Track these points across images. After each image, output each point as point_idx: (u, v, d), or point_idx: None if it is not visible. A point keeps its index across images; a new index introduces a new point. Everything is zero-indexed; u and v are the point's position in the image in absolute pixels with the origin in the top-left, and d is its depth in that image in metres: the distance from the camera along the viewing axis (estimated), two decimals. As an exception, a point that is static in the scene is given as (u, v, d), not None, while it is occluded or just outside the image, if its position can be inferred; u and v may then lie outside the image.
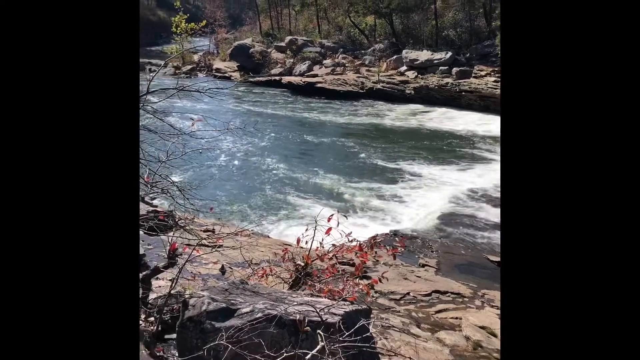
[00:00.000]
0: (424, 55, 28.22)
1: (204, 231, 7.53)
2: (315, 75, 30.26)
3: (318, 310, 3.07)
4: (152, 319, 4.21)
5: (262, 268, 5.12)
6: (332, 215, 4.47)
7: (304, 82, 29.84)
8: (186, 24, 33.54)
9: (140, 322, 4.15)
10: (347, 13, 35.01)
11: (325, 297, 4.09)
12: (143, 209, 7.21)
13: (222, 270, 6.21)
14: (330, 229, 4.39)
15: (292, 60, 33.09)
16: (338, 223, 4.34)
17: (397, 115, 24.53)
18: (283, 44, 34.98)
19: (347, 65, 30.82)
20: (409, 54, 28.82)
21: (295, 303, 3.37)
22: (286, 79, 31.01)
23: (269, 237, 9.98)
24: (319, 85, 29.08)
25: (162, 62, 35.53)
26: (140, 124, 4.10)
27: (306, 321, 2.92)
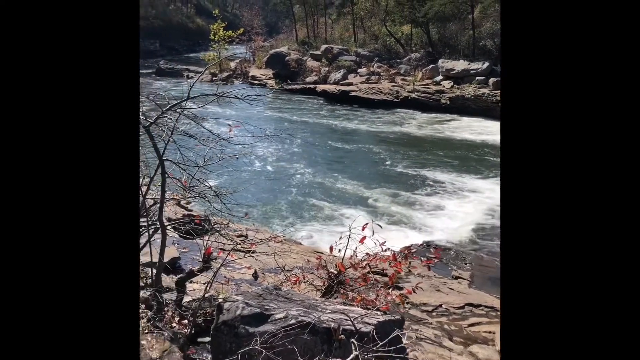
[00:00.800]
0: (460, 65, 27.95)
1: (238, 236, 7.60)
2: (350, 84, 30.28)
3: (352, 319, 3.06)
4: (185, 321, 4.27)
5: (295, 275, 5.14)
6: (366, 224, 4.46)
7: (338, 90, 29.89)
8: (224, 32, 34.21)
9: (174, 324, 4.20)
10: (384, 22, 34.99)
11: (357, 306, 4.08)
12: (179, 212, 7.33)
13: (255, 275, 6.25)
14: (364, 237, 4.38)
15: (327, 68, 33.21)
16: (373, 232, 4.33)
17: (431, 125, 24.32)
18: (318, 52, 35.17)
19: (382, 74, 30.75)
20: (445, 63, 28.58)
21: (328, 311, 3.36)
22: (321, 87, 31.12)
23: (300, 244, 10.00)
24: (353, 93, 29.07)
25: (200, 69, 36.37)
26: (180, 129, 4.18)
27: (341, 329, 2.91)
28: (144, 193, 4.40)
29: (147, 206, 4.59)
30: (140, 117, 4.02)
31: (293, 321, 3.09)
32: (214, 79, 34.68)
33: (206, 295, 4.36)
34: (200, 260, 4.56)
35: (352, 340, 2.81)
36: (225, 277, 5.66)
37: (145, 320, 3.87)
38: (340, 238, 4.58)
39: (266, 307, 3.35)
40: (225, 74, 36.09)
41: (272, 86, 32.81)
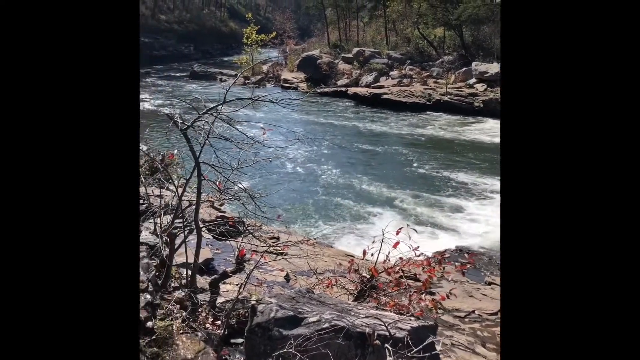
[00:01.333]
0: (494, 67, 27.55)
1: (269, 238, 7.65)
2: (382, 87, 30.16)
3: (386, 324, 3.04)
4: (219, 322, 4.31)
5: (328, 278, 5.14)
6: (400, 228, 4.43)
7: (370, 93, 29.80)
8: (257, 36, 34.54)
9: (208, 325, 4.25)
10: (416, 25, 34.77)
11: (391, 311, 4.05)
12: (212, 214, 7.42)
13: (287, 277, 6.27)
14: (397, 242, 4.35)
15: (358, 71, 33.17)
16: (410, 237, 4.30)
17: (463, 128, 24.03)
18: (350, 55, 35.16)
19: (414, 76, 30.55)
20: (478, 66, 28.21)
21: (361, 315, 3.35)
22: (352, 89, 31.08)
23: (331, 246, 9.99)
24: (385, 96, 28.94)
25: (233, 72, 36.78)
26: (217, 132, 4.24)
27: (375, 335, 2.90)
28: (180, 195, 4.46)
29: (183, 208, 4.65)
30: (178, 120, 4.10)
31: (326, 325, 3.09)
32: (246, 82, 35.00)
33: (239, 296, 4.39)
34: (234, 261, 4.60)
35: (387, 345, 2.80)
36: (257, 279, 5.69)
37: (180, 320, 3.92)
38: (373, 242, 4.56)
39: (299, 310, 3.36)
40: (258, 77, 36.38)
41: (303, 89, 32.93)
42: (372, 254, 4.66)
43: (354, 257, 6.85)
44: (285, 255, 6.02)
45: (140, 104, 26.92)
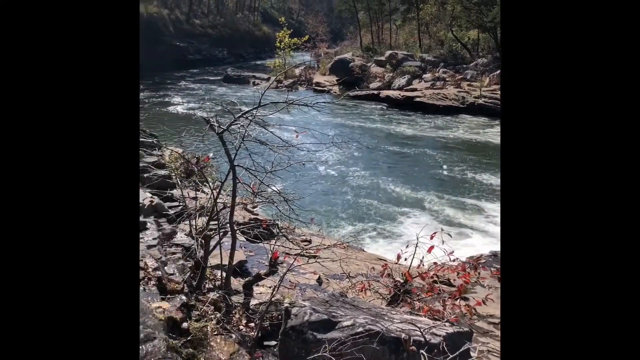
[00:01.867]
0: (529, 70, 27.05)
1: (302, 241, 7.66)
2: (415, 90, 29.93)
3: (421, 329, 3.01)
4: (252, 324, 4.33)
5: (361, 282, 5.11)
6: (435, 232, 4.38)
7: (402, 96, 29.60)
8: (289, 39, 34.82)
9: (242, 326, 4.28)
10: (450, 27, 34.41)
11: (425, 316, 4.01)
12: (246, 216, 7.48)
13: (319, 281, 6.28)
14: (432, 247, 4.31)
15: (391, 74, 33.00)
16: (443, 241, 4.25)
17: (497, 131, 23.65)
18: (383, 58, 35.03)
19: (447, 79, 30.22)
20: (513, 68, 27.74)
21: (396, 320, 3.33)
22: (384, 92, 30.94)
23: (363, 250, 9.94)
24: (417, 99, 28.69)
25: (265, 76, 37.09)
26: (252, 135, 4.27)
27: (411, 340, 2.87)
28: (215, 197, 4.51)
29: (218, 210, 4.71)
30: (214, 124, 4.15)
31: (361, 329, 3.08)
32: (278, 85, 35.25)
33: (272, 299, 4.41)
34: (267, 264, 4.62)
35: (422, 351, 2.77)
36: (289, 281, 5.71)
37: (214, 321, 3.96)
38: (407, 246, 4.52)
39: (333, 314, 3.35)
40: (290, 80, 36.57)
41: (335, 92, 32.97)
42: (405, 259, 4.62)
43: (386, 261, 6.80)
44: (317, 258, 6.02)
45: (174, 107, 27.46)
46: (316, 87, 35.11)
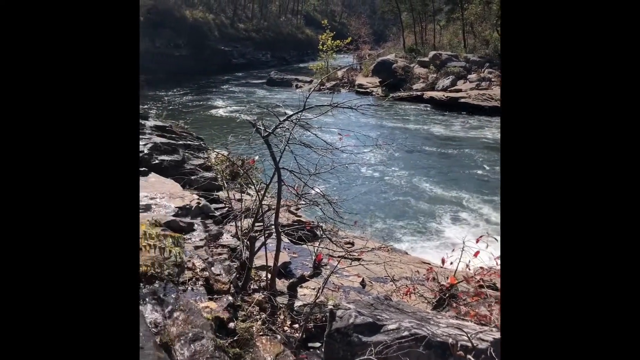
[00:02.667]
0: (579, 69, 26.26)
1: (345, 244, 7.66)
2: (459, 90, 29.49)
3: (468, 334, 2.96)
4: (296, 325, 4.36)
5: (406, 285, 5.08)
6: (480, 236, 4.31)
7: (446, 97, 29.22)
8: (332, 42, 34.95)
9: (286, 327, 4.32)
10: (495, 27, 33.76)
11: (471, 321, 3.94)
12: (289, 218, 7.54)
13: (362, 283, 6.26)
14: (478, 252, 4.24)
15: (434, 75, 32.63)
16: (487, 245, 4.18)
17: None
18: (426, 59, 34.67)
19: (493, 80, 29.62)
20: (562, 67, 27.00)
21: (442, 324, 3.29)
22: (428, 94, 30.61)
23: (407, 253, 9.86)
24: (462, 100, 28.26)
25: (308, 79, 37.31)
26: (297, 138, 4.31)
27: (458, 345, 2.83)
28: (260, 199, 4.57)
29: (263, 212, 4.76)
30: (260, 127, 4.21)
31: (406, 333, 3.06)
32: (321, 87, 35.42)
33: (317, 300, 4.43)
34: (310, 265, 4.65)
35: (469, 357, 2.73)
36: (333, 283, 5.72)
37: (259, 322, 4.00)
38: (453, 250, 4.47)
39: (378, 317, 3.34)
40: (332, 83, 36.66)
41: (378, 94, 32.82)
42: (451, 262, 4.56)
43: (430, 264, 6.72)
44: (360, 261, 6.00)
45: (219, 110, 27.96)
46: (358, 89, 35.06)
